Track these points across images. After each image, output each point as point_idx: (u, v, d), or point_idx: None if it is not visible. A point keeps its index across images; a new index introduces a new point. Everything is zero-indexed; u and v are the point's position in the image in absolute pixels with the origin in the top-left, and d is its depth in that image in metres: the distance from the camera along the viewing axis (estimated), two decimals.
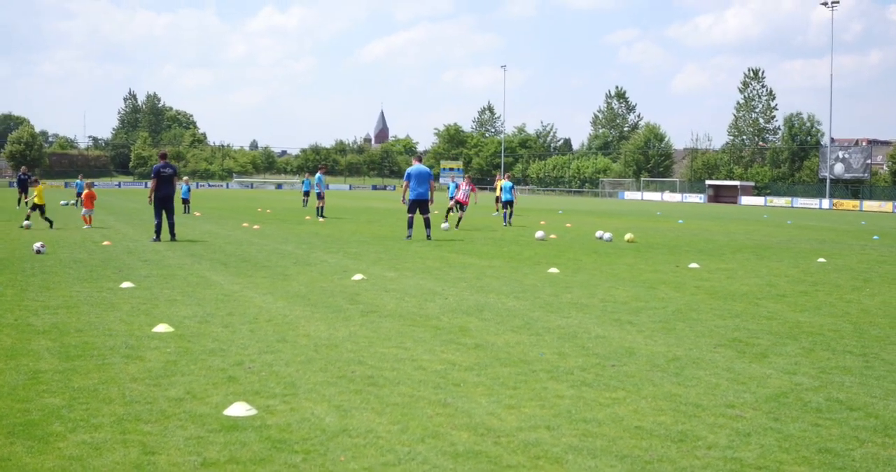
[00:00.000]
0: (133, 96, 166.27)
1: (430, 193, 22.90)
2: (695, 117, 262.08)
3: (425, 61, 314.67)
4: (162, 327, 8.97)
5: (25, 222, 24.34)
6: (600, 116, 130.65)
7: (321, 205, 34.55)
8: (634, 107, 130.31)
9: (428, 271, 15.35)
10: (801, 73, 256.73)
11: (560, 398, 6.60)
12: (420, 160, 23.69)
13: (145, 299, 11.14)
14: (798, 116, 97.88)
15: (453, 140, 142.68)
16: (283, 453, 5.14)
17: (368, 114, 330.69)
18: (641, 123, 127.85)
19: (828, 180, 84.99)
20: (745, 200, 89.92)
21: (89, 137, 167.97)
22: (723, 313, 11.02)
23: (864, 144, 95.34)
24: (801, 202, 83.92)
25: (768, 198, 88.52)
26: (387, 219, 34.63)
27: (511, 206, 32.29)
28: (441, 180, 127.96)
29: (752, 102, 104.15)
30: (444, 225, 26.76)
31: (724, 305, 11.82)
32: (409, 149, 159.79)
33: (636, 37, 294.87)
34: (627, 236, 24.43)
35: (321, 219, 32.67)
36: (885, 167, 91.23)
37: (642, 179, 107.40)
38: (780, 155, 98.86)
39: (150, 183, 21.09)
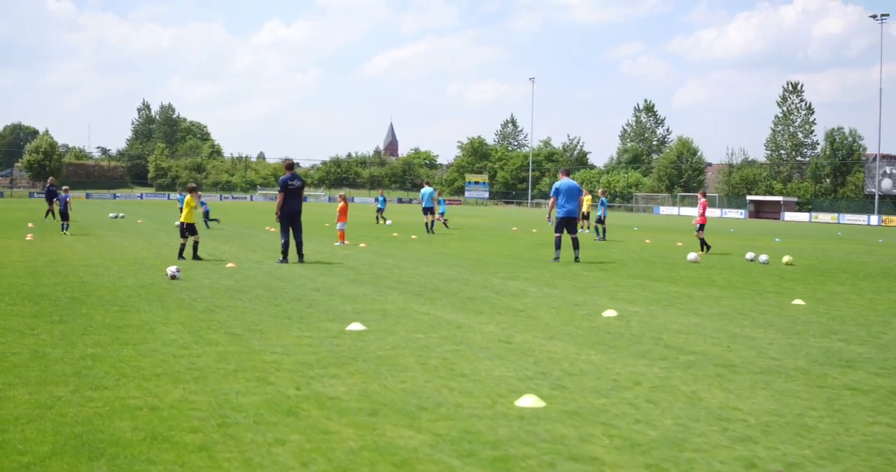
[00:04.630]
0: (147, 107, 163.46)
1: (579, 210, 20.36)
2: (695, 131, 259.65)
3: (431, 74, 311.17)
4: (529, 401, 6.38)
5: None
6: (628, 129, 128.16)
7: (431, 220, 32.82)
8: (663, 120, 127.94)
9: (659, 301, 13.05)
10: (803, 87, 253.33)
11: None
12: (568, 174, 20.99)
13: (417, 348, 8.55)
14: (839, 130, 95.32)
15: (477, 153, 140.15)
16: None
17: (376, 126, 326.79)
18: (670, 136, 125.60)
19: (876, 196, 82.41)
20: (789, 215, 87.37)
21: (98, 147, 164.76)
22: None
23: None
24: (847, 218, 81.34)
25: (813, 213, 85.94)
26: (483, 236, 32.05)
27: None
28: (467, 194, 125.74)
29: (791, 117, 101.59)
30: (692, 255, 21.90)
31: None
32: (429, 162, 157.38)
33: (640, 51, 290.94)
34: (786, 259, 21.89)
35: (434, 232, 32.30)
36: None
37: (678, 193, 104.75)
38: (821, 170, 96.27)
39: (277, 197, 18.52)
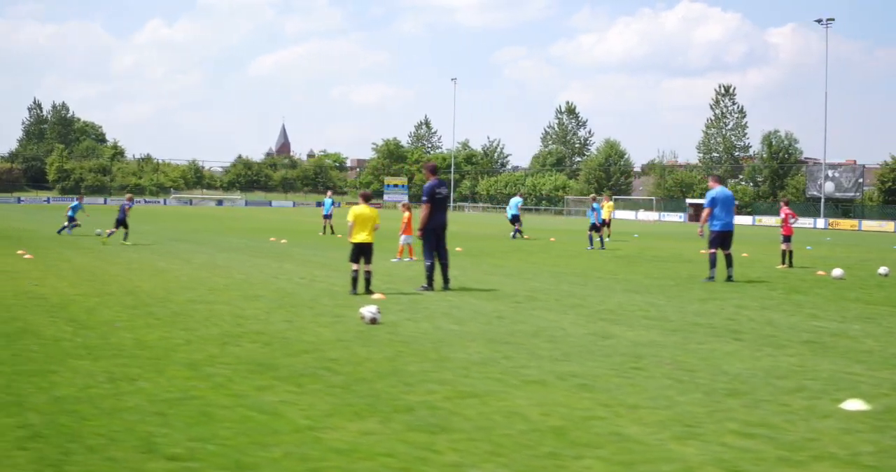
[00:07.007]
0: (38, 106, 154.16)
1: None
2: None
3: (319, 76, 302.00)
4: None
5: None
6: (550, 131, 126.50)
7: (517, 228, 34.34)
8: (585, 122, 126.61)
9: None
10: (681, 91, 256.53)
11: None
12: (720, 181, 18.03)
13: None
14: (776, 133, 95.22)
15: (392, 155, 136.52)
16: None
17: (265, 127, 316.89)
18: (592, 139, 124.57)
19: (822, 200, 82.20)
20: None
21: None
22: None
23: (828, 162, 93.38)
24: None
25: (756, 217, 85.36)
26: (530, 247, 28.91)
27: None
28: (386, 198, 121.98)
29: (725, 119, 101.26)
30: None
31: None
32: (339, 164, 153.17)
33: (523, 54, 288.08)
34: None
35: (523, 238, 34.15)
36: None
37: (614, 197, 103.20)
38: (759, 173, 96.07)
39: (423, 209, 14.81)
